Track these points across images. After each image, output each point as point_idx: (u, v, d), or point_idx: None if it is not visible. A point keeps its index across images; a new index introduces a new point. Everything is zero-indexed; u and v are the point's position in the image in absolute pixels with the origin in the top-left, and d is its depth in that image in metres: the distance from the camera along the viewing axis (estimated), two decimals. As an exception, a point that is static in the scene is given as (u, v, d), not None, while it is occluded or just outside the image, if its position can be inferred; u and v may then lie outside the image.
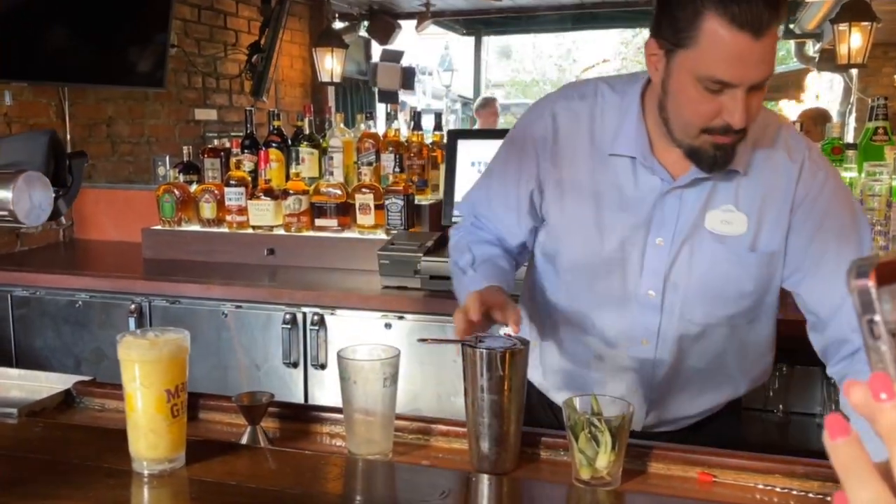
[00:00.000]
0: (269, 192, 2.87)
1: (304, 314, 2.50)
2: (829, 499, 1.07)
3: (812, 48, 7.85)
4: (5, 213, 1.10)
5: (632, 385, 1.42)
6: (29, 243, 3.34)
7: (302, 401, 2.51)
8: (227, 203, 2.93)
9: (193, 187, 3.04)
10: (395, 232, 2.73)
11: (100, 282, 2.71)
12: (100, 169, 3.99)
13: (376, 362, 1.18)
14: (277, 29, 5.30)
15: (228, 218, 2.94)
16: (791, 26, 7.28)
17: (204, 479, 1.10)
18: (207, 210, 2.97)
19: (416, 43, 7.89)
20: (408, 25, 7.03)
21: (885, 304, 0.43)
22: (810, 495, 1.09)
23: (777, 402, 2.16)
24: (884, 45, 7.48)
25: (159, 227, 3.03)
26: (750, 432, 2.12)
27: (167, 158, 3.51)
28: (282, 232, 2.89)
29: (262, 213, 2.88)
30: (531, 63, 18.68)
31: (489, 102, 7.08)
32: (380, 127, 3.64)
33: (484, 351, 1.14)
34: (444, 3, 7.23)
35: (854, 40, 4.97)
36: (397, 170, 2.79)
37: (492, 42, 12.11)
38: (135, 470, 1.11)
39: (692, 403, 1.46)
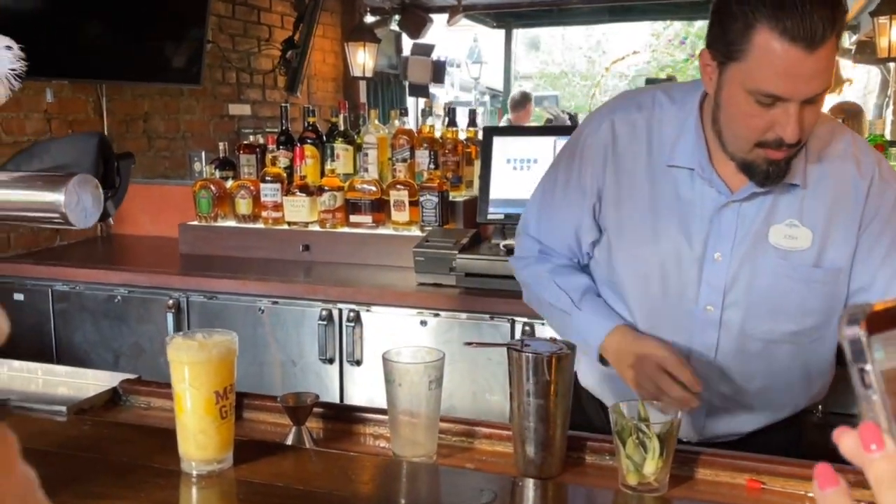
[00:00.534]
0: (305, 189, 2.89)
1: (340, 310, 2.51)
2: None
3: (848, 40, 7.71)
4: (57, 215, 1.11)
5: None
6: (68, 238, 3.39)
7: (337, 397, 2.52)
8: (262, 199, 2.95)
9: (229, 183, 3.06)
10: (429, 229, 2.73)
11: (138, 277, 2.74)
12: (137, 164, 4.02)
13: (420, 365, 1.18)
14: (311, 24, 5.32)
15: (264, 214, 2.96)
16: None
17: (252, 480, 1.11)
18: (243, 206, 2.99)
19: (445, 35, 7.87)
20: (438, 19, 7.01)
21: (877, 352, 0.43)
22: (862, 504, 1.08)
23: (816, 402, 2.12)
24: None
25: (196, 223, 3.06)
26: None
27: (203, 154, 3.54)
28: (317, 228, 2.90)
29: (298, 210, 2.89)
30: (560, 55, 18.51)
31: (524, 102, 6.90)
32: (411, 121, 3.64)
33: (531, 355, 1.13)
34: (475, -4, 7.21)
35: (895, 33, 4.89)
36: (432, 166, 2.79)
37: (521, 34, 12.04)
38: (183, 470, 1.12)
39: (750, 419, 1.43)
